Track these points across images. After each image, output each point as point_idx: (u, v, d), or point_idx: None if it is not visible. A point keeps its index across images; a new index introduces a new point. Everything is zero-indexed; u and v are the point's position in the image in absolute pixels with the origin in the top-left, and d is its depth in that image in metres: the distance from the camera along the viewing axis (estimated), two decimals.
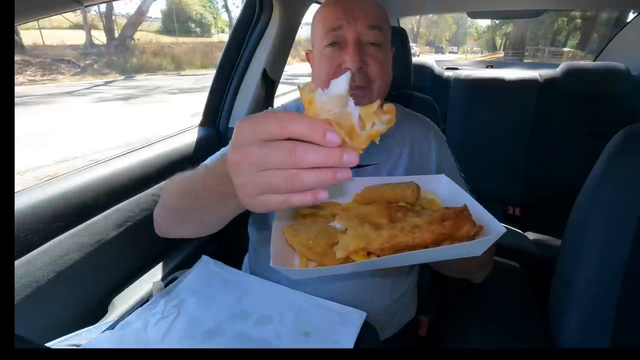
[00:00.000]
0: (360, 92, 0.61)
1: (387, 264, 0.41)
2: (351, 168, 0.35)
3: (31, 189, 0.60)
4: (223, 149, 0.69)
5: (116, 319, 0.51)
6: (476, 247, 0.40)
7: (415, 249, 0.39)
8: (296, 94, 1.60)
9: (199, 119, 1.06)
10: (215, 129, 1.06)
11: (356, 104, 0.34)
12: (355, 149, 0.29)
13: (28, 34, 10.35)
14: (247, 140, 0.28)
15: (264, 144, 0.28)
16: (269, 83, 1.09)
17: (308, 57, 0.69)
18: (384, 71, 0.62)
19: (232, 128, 1.05)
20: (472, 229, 0.40)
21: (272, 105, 1.15)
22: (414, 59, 1.79)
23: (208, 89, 1.06)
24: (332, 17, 0.60)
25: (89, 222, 0.64)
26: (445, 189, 0.53)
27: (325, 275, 0.42)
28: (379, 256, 0.40)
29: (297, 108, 0.74)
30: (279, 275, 0.60)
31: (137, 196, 0.74)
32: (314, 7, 1.16)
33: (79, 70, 10.13)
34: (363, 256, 0.41)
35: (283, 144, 0.27)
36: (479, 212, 0.44)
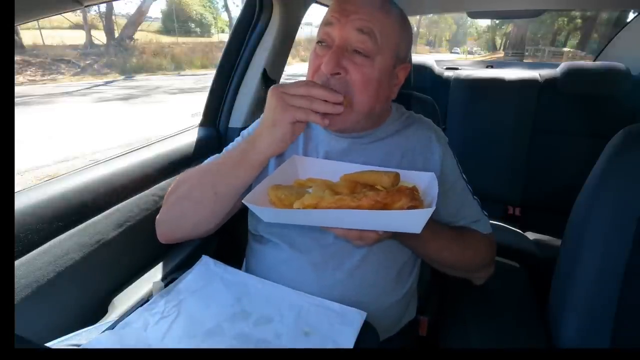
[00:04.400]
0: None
1: (328, 217, 0.47)
2: None
3: (31, 189, 0.59)
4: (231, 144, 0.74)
5: (116, 319, 0.52)
6: (406, 218, 0.44)
7: None
8: None
9: (199, 119, 1.06)
10: (215, 129, 1.06)
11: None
12: None
13: (28, 34, 10.33)
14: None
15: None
16: (269, 83, 1.09)
17: None
18: (366, 85, 0.56)
19: (232, 128, 1.06)
20: (407, 204, 0.44)
21: None
22: (444, 57, 1.79)
23: (208, 89, 1.06)
24: (330, 10, 0.57)
25: (89, 222, 0.64)
26: (425, 183, 0.55)
27: (286, 219, 0.51)
28: None
29: None
30: (278, 276, 0.60)
31: (137, 196, 0.74)
32: (314, 7, 1.16)
33: (79, 70, 10.12)
34: None
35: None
36: (432, 198, 0.47)
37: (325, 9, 0.61)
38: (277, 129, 0.54)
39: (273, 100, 0.53)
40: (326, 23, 0.57)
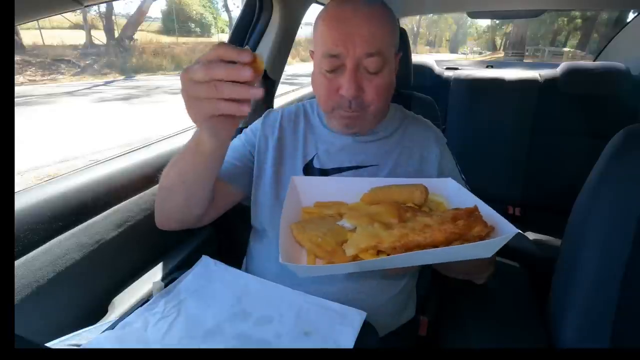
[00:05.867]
0: (352, 122, 0.61)
1: (396, 263, 0.41)
2: (350, 169, 0.64)
3: (31, 189, 0.60)
4: None
5: (116, 319, 0.52)
6: (487, 248, 0.39)
7: (426, 248, 0.39)
8: (296, 94, 1.60)
9: None
10: None
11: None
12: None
13: (28, 34, 10.32)
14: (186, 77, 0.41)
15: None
16: (269, 83, 1.09)
17: (312, 55, 0.69)
18: (379, 94, 0.59)
19: None
20: (484, 230, 0.40)
21: (272, 106, 1.15)
22: (440, 57, 1.79)
23: None
24: (331, 42, 0.56)
25: (88, 222, 0.64)
26: (453, 192, 0.53)
27: (334, 273, 0.42)
28: (388, 255, 0.40)
29: (296, 109, 0.74)
30: (277, 276, 0.60)
31: (137, 196, 0.74)
32: (314, 7, 1.16)
33: (79, 70, 10.11)
34: (372, 255, 0.41)
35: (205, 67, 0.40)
36: (490, 213, 0.44)
37: None
38: (201, 126, 0.46)
39: (182, 90, 0.42)
40: (332, 55, 0.56)
